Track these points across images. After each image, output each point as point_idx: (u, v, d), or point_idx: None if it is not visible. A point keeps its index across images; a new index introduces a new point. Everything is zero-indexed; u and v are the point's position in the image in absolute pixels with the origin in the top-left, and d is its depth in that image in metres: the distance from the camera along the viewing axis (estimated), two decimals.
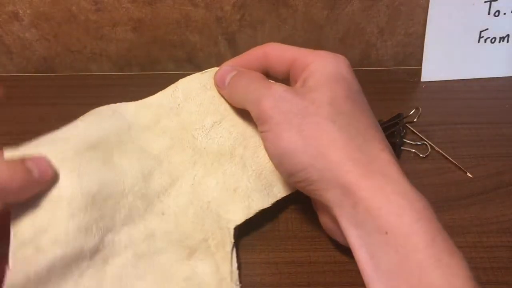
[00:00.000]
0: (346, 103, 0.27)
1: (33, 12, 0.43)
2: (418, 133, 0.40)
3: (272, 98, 0.27)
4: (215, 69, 0.33)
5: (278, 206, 0.33)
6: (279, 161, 0.27)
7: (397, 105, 0.43)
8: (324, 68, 0.28)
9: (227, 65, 0.32)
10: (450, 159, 0.38)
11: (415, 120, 0.37)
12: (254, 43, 0.47)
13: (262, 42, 0.46)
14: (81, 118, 0.30)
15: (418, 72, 0.46)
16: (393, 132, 0.38)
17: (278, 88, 0.27)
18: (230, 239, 0.29)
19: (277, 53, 0.31)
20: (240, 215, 0.30)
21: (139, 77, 0.48)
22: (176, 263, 0.28)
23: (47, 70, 0.49)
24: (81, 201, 0.25)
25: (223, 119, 0.32)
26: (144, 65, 0.49)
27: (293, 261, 0.31)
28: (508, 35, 0.45)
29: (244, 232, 0.33)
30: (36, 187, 0.25)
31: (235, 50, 0.47)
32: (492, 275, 0.31)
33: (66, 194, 0.25)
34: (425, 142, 0.39)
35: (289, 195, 0.32)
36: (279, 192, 0.31)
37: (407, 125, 0.40)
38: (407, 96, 0.45)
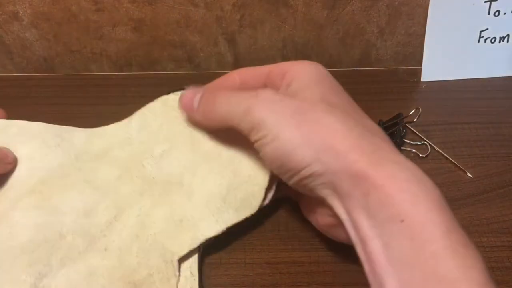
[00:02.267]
0: (336, 97, 0.27)
1: (33, 12, 0.43)
2: (418, 133, 0.40)
3: (262, 103, 0.26)
4: (166, 97, 0.33)
5: (279, 206, 0.33)
6: (280, 163, 0.26)
7: (397, 105, 0.43)
8: (304, 71, 0.28)
9: (189, 89, 0.31)
10: (450, 159, 0.38)
11: (415, 120, 0.37)
12: (254, 43, 0.47)
13: (262, 42, 0.46)
14: (24, 149, 0.31)
15: (418, 72, 0.46)
16: (393, 132, 0.38)
17: (266, 92, 0.27)
18: (174, 273, 0.28)
19: (250, 72, 0.31)
20: (184, 247, 0.29)
21: (139, 77, 0.48)
22: None
23: (47, 70, 0.49)
24: (10, 253, 0.27)
25: (172, 147, 0.32)
26: (144, 65, 0.49)
27: (293, 261, 0.31)
28: (508, 35, 0.45)
29: (244, 232, 0.33)
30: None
31: (235, 50, 0.47)
32: (492, 275, 0.30)
33: None
34: (425, 142, 0.39)
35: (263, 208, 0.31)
36: (229, 218, 0.30)
37: (407, 125, 0.40)
38: (407, 96, 0.45)
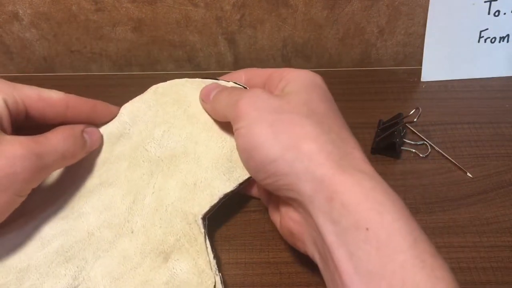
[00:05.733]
0: (320, 105, 0.27)
1: (33, 12, 0.44)
2: (418, 133, 0.40)
3: (248, 98, 0.27)
4: (156, 86, 0.35)
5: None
6: (248, 155, 0.27)
7: (397, 105, 0.43)
8: (299, 77, 0.29)
9: (214, 82, 0.34)
10: (450, 159, 0.38)
11: (415, 120, 0.37)
12: (254, 43, 0.47)
13: (262, 42, 0.46)
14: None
15: (418, 72, 0.46)
16: (393, 132, 0.38)
17: (256, 90, 0.28)
18: (200, 231, 0.30)
19: (255, 72, 0.33)
20: (204, 205, 0.31)
21: (139, 77, 0.48)
22: (154, 271, 0.29)
23: (47, 70, 0.49)
24: (45, 258, 0.29)
25: (171, 127, 0.33)
26: (144, 65, 0.49)
27: (293, 261, 0.31)
28: (508, 35, 0.45)
29: (244, 232, 0.33)
30: (83, 155, 0.31)
31: (235, 50, 0.47)
32: (492, 275, 0.31)
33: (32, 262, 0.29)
34: (425, 142, 0.39)
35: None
36: (239, 175, 0.31)
37: (407, 125, 0.40)
38: (407, 96, 0.45)
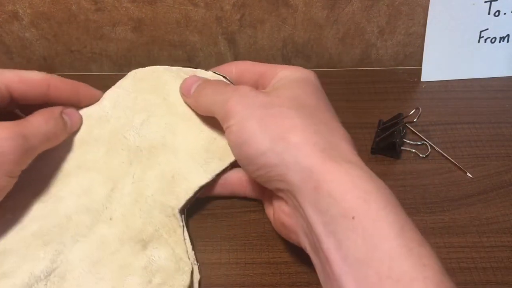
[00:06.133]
0: (311, 98, 0.28)
1: (33, 12, 0.43)
2: (418, 133, 0.40)
3: (237, 97, 0.28)
4: (135, 71, 0.36)
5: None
6: (239, 149, 0.27)
7: (397, 105, 0.43)
8: (291, 74, 0.30)
9: (192, 74, 0.34)
10: (450, 159, 0.38)
11: (415, 120, 0.37)
12: (254, 43, 0.47)
13: (262, 42, 0.46)
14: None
15: (418, 72, 0.46)
16: (393, 132, 0.38)
17: (244, 88, 0.29)
18: (178, 224, 0.31)
19: (247, 66, 0.34)
20: (181, 199, 0.32)
21: None
22: (132, 256, 0.29)
23: (47, 70, 0.48)
24: (23, 241, 0.29)
25: (150, 116, 0.34)
26: (144, 65, 0.48)
27: (293, 261, 0.31)
28: (508, 35, 0.45)
29: (244, 232, 0.33)
30: (65, 136, 0.32)
31: (235, 49, 0.47)
32: (492, 275, 0.31)
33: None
34: (425, 142, 0.39)
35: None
36: (216, 167, 0.32)
37: (407, 125, 0.40)
38: (407, 96, 0.45)
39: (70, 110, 0.33)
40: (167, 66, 0.36)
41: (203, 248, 0.32)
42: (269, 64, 0.32)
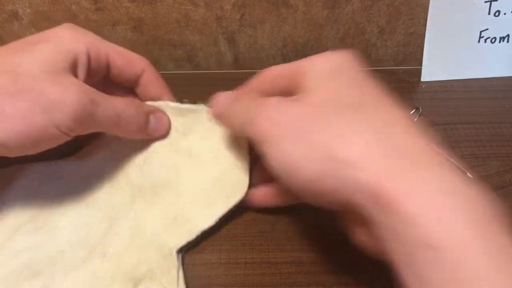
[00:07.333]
0: (353, 93, 0.23)
1: (32, 12, 0.43)
2: None
3: (265, 115, 0.24)
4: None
5: (278, 207, 0.33)
6: (287, 178, 0.23)
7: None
8: (321, 66, 0.25)
9: (222, 94, 0.29)
10: (450, 159, 0.38)
11: (415, 120, 0.37)
12: (254, 43, 0.47)
13: (262, 42, 0.45)
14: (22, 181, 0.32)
15: (418, 72, 0.46)
16: None
17: (270, 102, 0.24)
18: (174, 264, 0.30)
19: (274, 72, 0.28)
20: (181, 240, 0.31)
21: None
22: None
23: None
24: (14, 272, 0.28)
25: (154, 152, 0.33)
26: None
27: (293, 261, 0.31)
28: (508, 35, 0.45)
29: (244, 232, 0.33)
30: (142, 136, 0.30)
31: (235, 49, 0.47)
32: None
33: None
34: None
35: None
36: (220, 209, 0.31)
37: None
38: (407, 96, 0.45)
39: (160, 114, 0.31)
40: (168, 101, 0.33)
41: (203, 248, 0.32)
42: (296, 62, 0.27)
